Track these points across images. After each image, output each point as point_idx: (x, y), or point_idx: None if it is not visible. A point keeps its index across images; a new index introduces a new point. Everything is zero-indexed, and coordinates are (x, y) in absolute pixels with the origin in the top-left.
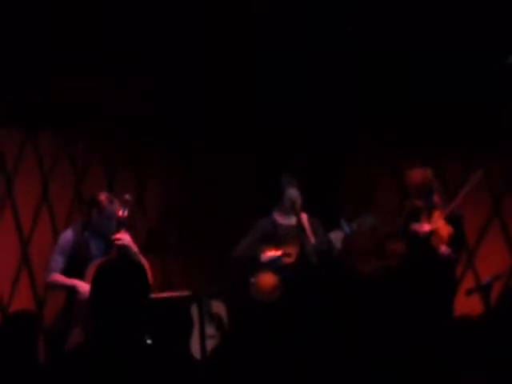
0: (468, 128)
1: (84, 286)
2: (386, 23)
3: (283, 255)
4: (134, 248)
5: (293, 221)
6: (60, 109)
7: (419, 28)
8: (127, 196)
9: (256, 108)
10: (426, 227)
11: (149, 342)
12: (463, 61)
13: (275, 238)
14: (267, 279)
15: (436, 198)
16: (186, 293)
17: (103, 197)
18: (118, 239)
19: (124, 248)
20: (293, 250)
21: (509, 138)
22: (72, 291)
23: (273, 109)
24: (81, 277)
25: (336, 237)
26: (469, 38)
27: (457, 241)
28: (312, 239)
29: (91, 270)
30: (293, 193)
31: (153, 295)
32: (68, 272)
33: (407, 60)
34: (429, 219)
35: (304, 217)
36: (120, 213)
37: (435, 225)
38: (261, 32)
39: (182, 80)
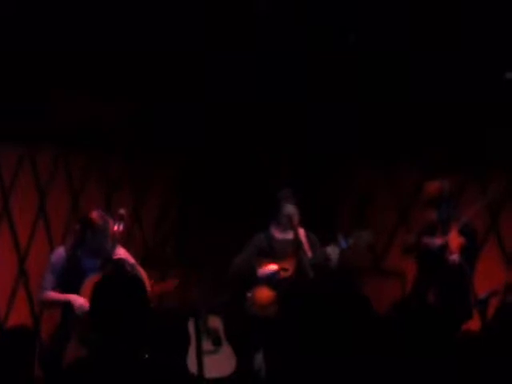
0: (469, 129)
1: (78, 299)
2: (387, 24)
3: (280, 270)
4: (131, 260)
5: (290, 235)
6: (57, 124)
7: (419, 28)
8: (122, 211)
9: (256, 108)
10: (437, 241)
11: (146, 356)
12: (463, 61)
13: (272, 252)
14: (263, 294)
15: (454, 211)
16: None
17: (96, 216)
18: (115, 254)
19: (120, 262)
20: (290, 265)
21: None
22: (67, 306)
23: (273, 109)
24: (75, 294)
25: (333, 251)
26: (468, 38)
27: (469, 254)
28: (309, 254)
29: (87, 286)
30: (290, 208)
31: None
32: (62, 290)
33: (407, 60)
34: (444, 232)
35: (301, 232)
36: (115, 227)
37: (448, 237)
38: (261, 32)
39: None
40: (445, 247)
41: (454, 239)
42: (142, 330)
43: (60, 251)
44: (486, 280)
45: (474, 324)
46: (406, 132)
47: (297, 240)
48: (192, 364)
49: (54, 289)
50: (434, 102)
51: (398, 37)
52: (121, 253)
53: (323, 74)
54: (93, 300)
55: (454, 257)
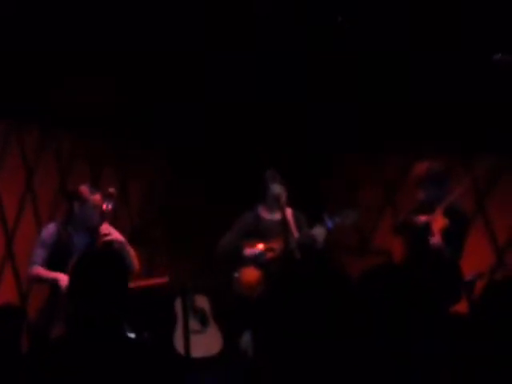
0: (468, 129)
1: (66, 279)
2: (387, 24)
3: (267, 250)
4: (121, 239)
5: (277, 216)
6: (47, 106)
7: (419, 28)
8: (111, 189)
9: (256, 108)
10: (421, 218)
11: (132, 336)
12: (463, 61)
13: (259, 232)
14: (250, 274)
15: (447, 192)
16: (165, 280)
17: (84, 189)
18: (106, 235)
19: (110, 242)
20: (276, 245)
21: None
22: (55, 284)
23: (273, 109)
24: (64, 271)
25: (319, 233)
26: (468, 38)
27: (451, 236)
28: (296, 234)
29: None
30: (277, 188)
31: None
32: (51, 266)
33: (407, 60)
34: (430, 213)
35: (288, 212)
36: (104, 206)
37: (431, 218)
38: (261, 32)
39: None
40: (428, 228)
41: (438, 221)
42: (121, 307)
43: (51, 226)
44: (473, 261)
45: (460, 307)
46: (406, 132)
47: (284, 220)
48: (179, 343)
49: (43, 264)
50: (433, 102)
51: (397, 37)
52: (111, 231)
53: (323, 73)
54: (72, 274)
55: (434, 239)
